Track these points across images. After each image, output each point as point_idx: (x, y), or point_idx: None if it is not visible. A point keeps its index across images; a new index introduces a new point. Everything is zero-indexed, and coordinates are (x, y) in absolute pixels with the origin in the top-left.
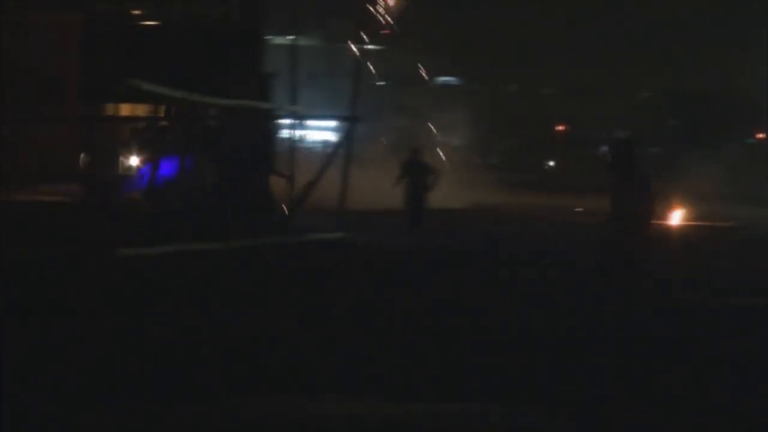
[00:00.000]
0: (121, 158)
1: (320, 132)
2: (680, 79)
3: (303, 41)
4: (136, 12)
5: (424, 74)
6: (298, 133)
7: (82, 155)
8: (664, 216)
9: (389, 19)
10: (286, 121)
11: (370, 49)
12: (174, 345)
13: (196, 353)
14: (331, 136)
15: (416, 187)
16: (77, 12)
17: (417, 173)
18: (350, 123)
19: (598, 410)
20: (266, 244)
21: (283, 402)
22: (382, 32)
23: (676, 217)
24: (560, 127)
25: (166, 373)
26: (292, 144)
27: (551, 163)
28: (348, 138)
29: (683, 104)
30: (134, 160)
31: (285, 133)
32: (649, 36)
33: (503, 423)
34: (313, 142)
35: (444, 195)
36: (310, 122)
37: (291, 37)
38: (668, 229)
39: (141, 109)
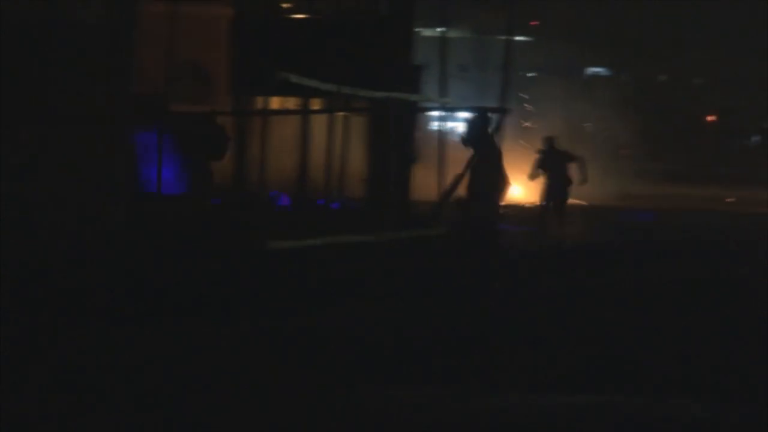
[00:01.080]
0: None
1: None
2: None
3: (452, 33)
4: (286, 5)
5: (573, 65)
6: (447, 124)
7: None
8: None
9: None
10: (436, 114)
11: (519, 41)
12: (344, 337)
13: (375, 345)
14: None
15: (557, 181)
16: (227, 5)
17: (555, 164)
18: (500, 114)
19: None
20: (415, 236)
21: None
22: (530, 23)
23: None
24: (710, 118)
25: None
26: (442, 136)
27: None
28: (497, 130)
29: None
30: None
31: (435, 125)
32: None
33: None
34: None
35: (589, 185)
36: (459, 114)
37: (441, 29)
38: None
39: (291, 102)
